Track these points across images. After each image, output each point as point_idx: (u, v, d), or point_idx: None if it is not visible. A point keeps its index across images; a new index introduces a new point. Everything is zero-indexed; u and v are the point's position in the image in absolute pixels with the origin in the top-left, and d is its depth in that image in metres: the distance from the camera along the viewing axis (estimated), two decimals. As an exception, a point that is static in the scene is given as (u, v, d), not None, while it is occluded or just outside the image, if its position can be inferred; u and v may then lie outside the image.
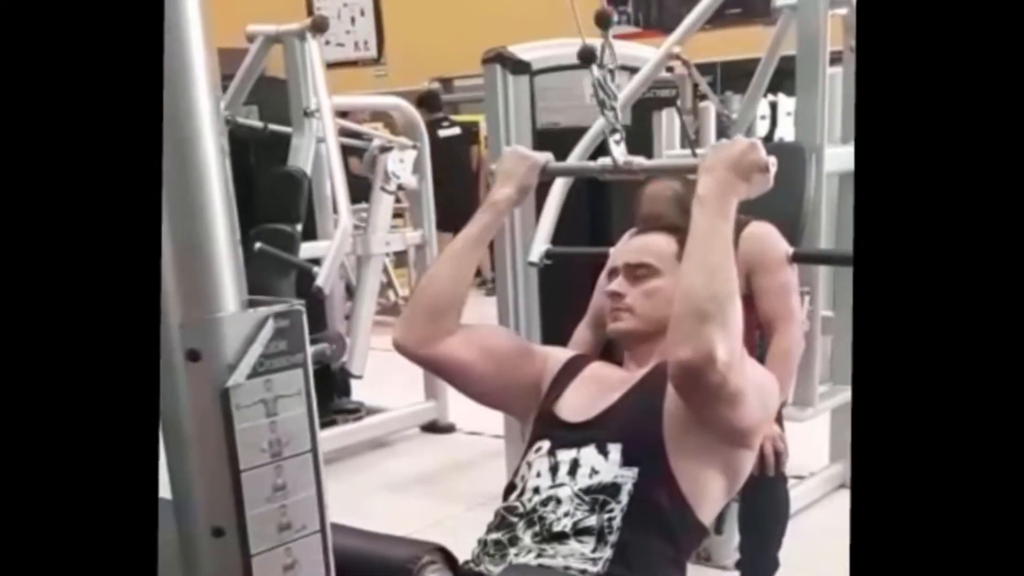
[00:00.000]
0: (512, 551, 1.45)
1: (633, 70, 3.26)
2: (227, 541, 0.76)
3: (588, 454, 1.49)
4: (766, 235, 2.28)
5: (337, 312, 4.17)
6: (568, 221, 2.97)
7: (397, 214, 5.15)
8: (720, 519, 1.74)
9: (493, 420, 3.63)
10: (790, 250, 2.30)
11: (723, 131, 3.34)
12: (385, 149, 4.11)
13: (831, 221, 3.21)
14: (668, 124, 3.34)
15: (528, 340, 2.24)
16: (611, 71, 1.69)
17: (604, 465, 1.47)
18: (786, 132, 3.24)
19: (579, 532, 1.42)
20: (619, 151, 1.69)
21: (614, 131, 1.69)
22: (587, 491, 1.45)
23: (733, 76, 3.98)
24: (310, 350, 0.80)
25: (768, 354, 2.15)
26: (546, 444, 1.56)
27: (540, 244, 2.86)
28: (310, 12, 9.13)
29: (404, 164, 4.08)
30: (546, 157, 1.77)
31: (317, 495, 0.81)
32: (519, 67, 3.20)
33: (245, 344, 0.75)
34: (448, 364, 1.66)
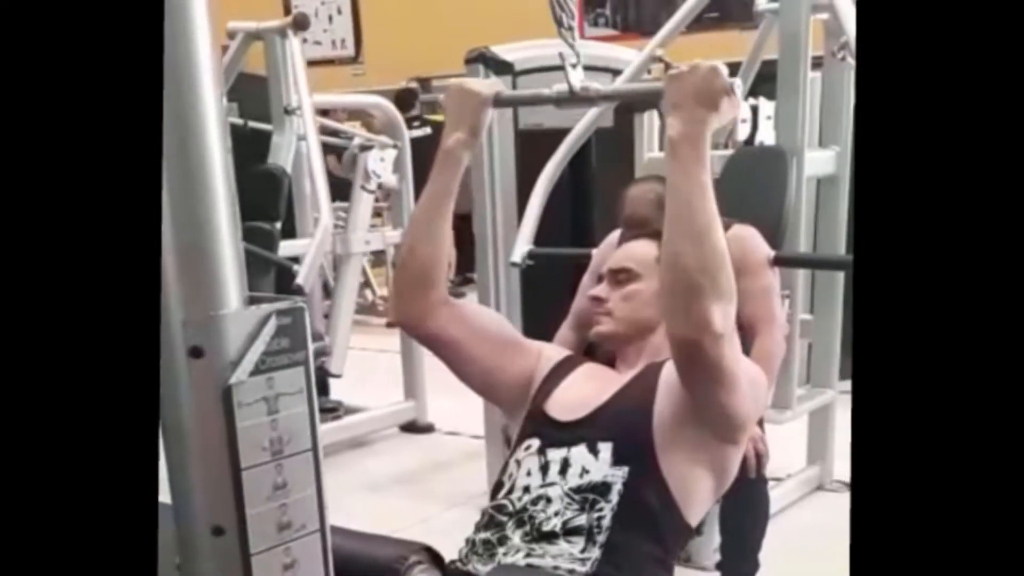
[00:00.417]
0: (501, 550, 1.45)
1: (615, 72, 3.28)
2: (227, 540, 0.76)
3: (579, 453, 1.49)
4: (748, 238, 2.29)
5: (316, 311, 4.16)
6: (550, 222, 2.98)
7: (375, 213, 5.14)
8: (700, 521, 1.75)
9: (472, 420, 3.64)
10: (772, 253, 2.32)
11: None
12: (365, 148, 4.11)
13: (809, 225, 3.24)
14: (649, 126, 3.36)
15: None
16: None
17: (594, 464, 1.47)
18: (767, 136, 3.25)
19: (568, 532, 1.42)
20: (575, 76, 1.60)
21: (572, 55, 1.58)
22: (577, 490, 1.45)
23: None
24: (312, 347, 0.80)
25: (750, 356, 2.17)
26: (536, 443, 1.55)
27: (522, 244, 2.86)
28: (287, 10, 9.09)
29: (384, 163, 4.07)
30: (493, 88, 1.65)
31: (317, 494, 0.80)
32: (502, 67, 3.21)
33: (248, 341, 0.75)
34: (440, 340, 1.63)
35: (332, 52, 9.91)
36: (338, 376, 4.02)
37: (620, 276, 1.67)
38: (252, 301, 0.77)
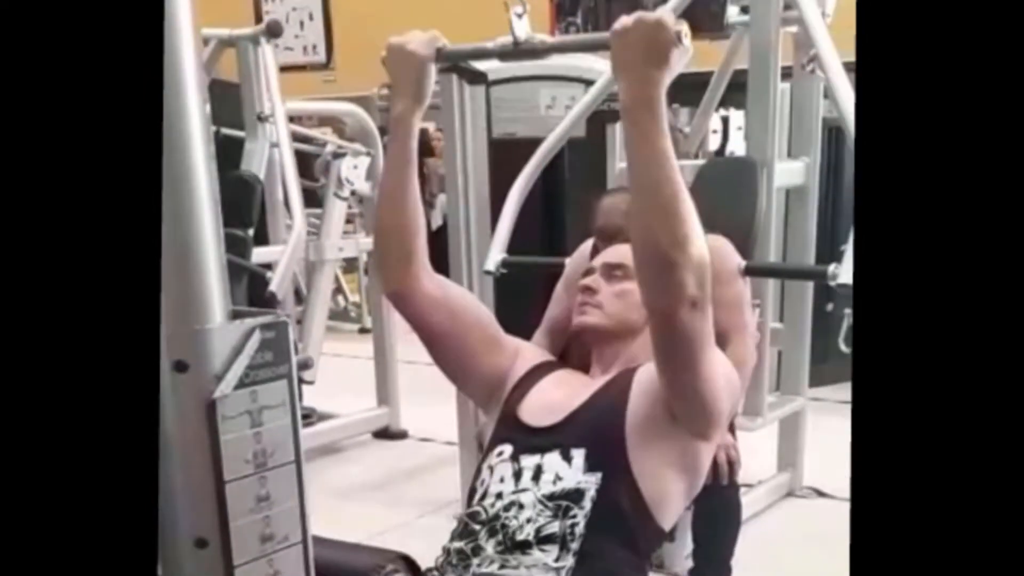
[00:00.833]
0: (475, 561, 1.44)
1: (588, 82, 3.31)
2: (210, 552, 0.77)
3: (552, 460, 1.49)
4: (719, 248, 2.31)
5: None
6: (523, 231, 3.00)
7: (347, 219, 5.14)
8: (673, 527, 1.76)
9: (445, 427, 3.64)
10: (743, 263, 2.34)
11: (675, 144, 3.38)
12: (338, 155, 4.11)
13: (779, 235, 3.28)
14: (622, 137, 3.38)
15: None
16: None
17: (568, 471, 1.47)
18: (737, 146, 3.30)
19: (542, 540, 1.42)
20: (520, 26, 1.53)
21: (519, 5, 1.53)
22: (550, 497, 1.45)
23: (681, 89, 4.04)
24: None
25: (722, 365, 2.19)
26: (508, 449, 1.55)
27: (496, 253, 2.87)
28: (258, 16, 9.04)
29: (358, 170, 4.08)
30: (432, 44, 1.59)
31: (299, 506, 0.81)
32: (476, 77, 3.22)
33: (232, 355, 0.76)
34: (423, 320, 1.62)
35: (303, 58, 9.87)
36: (311, 383, 4.02)
37: (616, 272, 1.67)
38: (236, 315, 0.78)
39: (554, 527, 1.43)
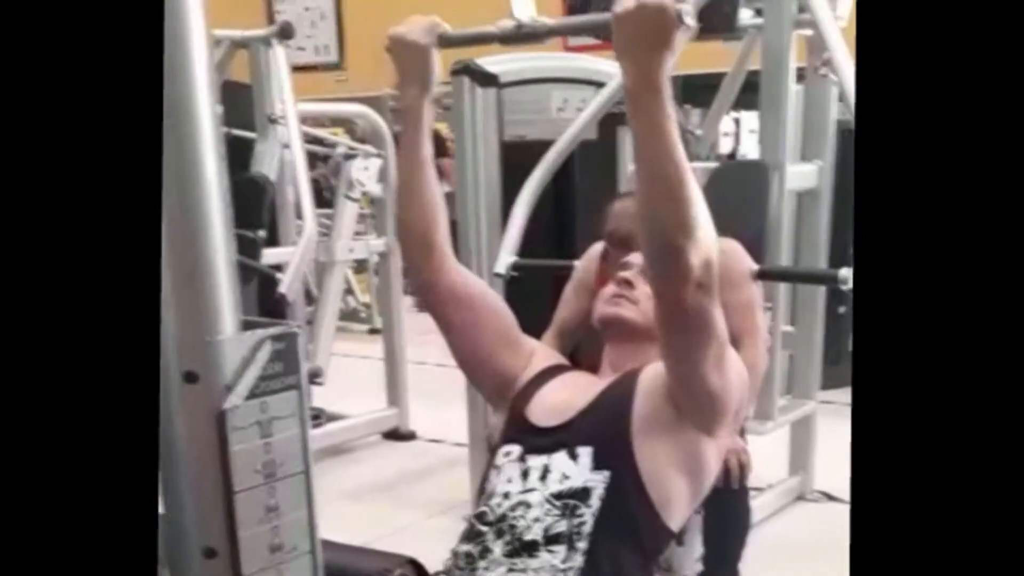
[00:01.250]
0: (482, 564, 1.44)
1: (599, 85, 3.30)
2: (219, 562, 0.77)
3: (559, 459, 1.49)
4: (731, 251, 2.31)
5: (298, 319, 4.15)
6: (533, 233, 2.99)
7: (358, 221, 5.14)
8: (683, 530, 1.76)
9: (455, 428, 3.64)
10: (755, 267, 2.34)
11: (686, 145, 3.38)
12: (350, 156, 4.11)
13: (790, 239, 3.27)
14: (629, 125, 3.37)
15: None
16: None
17: (575, 470, 1.47)
18: (749, 149, 3.29)
19: (549, 540, 1.41)
20: (521, 7, 1.53)
21: None
22: (558, 496, 1.45)
23: (693, 90, 4.04)
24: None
25: (733, 369, 2.18)
26: (516, 449, 1.55)
27: (506, 255, 2.87)
28: (270, 17, 9.05)
29: (369, 172, 4.08)
30: (433, 32, 1.57)
31: (308, 516, 0.81)
32: (487, 79, 3.22)
33: (243, 366, 0.76)
34: (445, 315, 1.63)
35: (315, 58, 9.88)
36: (320, 383, 4.02)
37: None
38: (247, 326, 0.77)
39: (561, 526, 1.42)
